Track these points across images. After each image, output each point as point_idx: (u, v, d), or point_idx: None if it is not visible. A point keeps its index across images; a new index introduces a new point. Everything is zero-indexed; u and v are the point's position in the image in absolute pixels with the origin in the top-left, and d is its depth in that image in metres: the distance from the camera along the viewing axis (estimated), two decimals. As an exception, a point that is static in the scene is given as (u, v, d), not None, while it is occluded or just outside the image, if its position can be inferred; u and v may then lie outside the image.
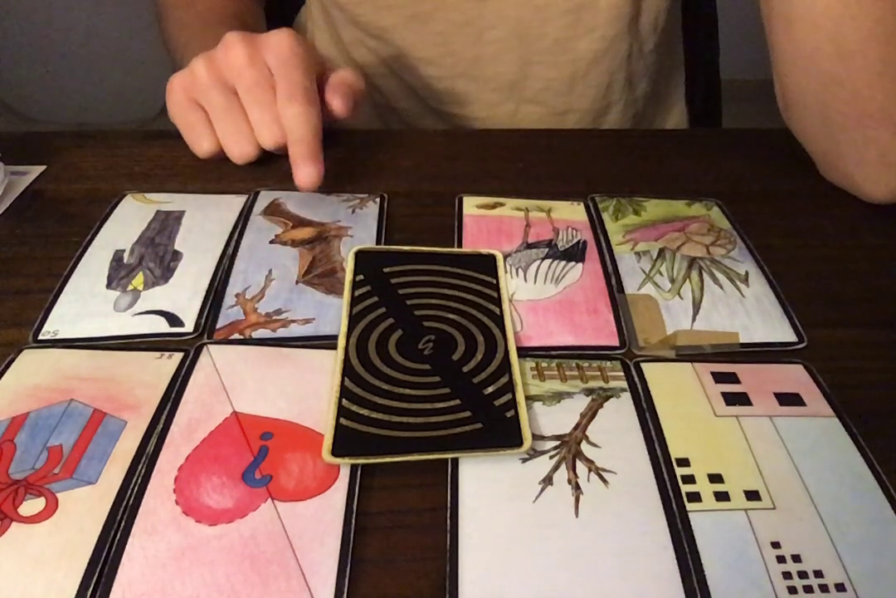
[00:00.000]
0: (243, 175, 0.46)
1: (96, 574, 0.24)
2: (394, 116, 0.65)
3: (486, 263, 0.39)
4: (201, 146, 0.45)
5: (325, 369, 0.32)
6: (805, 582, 0.25)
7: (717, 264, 0.40)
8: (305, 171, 0.41)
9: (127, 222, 0.42)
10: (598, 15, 0.55)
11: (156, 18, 0.63)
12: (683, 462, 0.29)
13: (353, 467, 0.28)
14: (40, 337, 0.34)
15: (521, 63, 0.58)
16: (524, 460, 0.29)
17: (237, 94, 0.43)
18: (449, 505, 0.27)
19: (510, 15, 0.55)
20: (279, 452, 0.29)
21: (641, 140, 0.55)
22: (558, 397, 0.32)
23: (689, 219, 0.44)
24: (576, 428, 0.30)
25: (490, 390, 0.31)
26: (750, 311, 0.37)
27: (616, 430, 0.30)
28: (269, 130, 0.42)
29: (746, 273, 0.40)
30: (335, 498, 0.27)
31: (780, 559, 0.26)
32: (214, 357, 0.33)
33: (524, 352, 0.34)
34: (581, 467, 0.29)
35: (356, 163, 0.49)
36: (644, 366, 0.33)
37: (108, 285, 0.37)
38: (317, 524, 0.26)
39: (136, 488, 0.27)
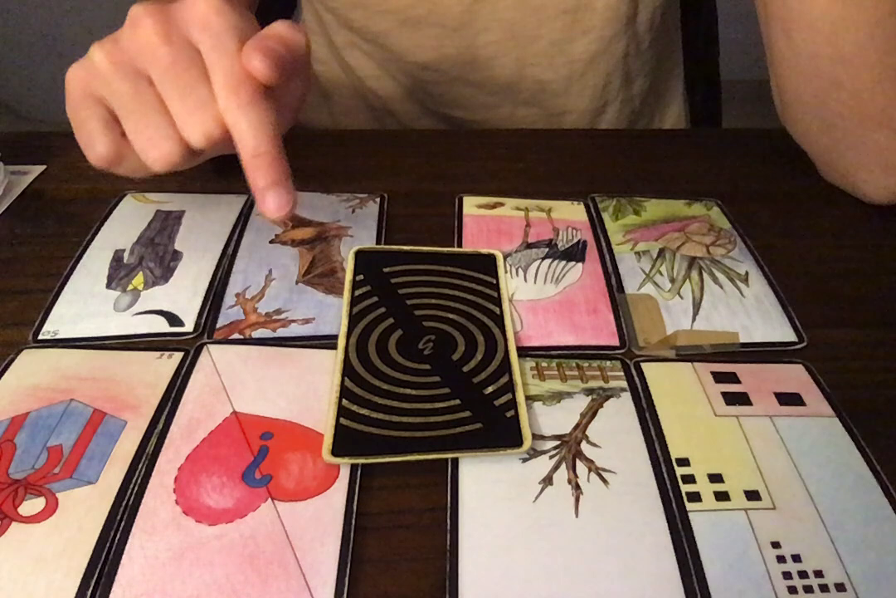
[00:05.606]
0: (243, 175, 0.46)
1: (96, 574, 0.24)
2: (390, 118, 0.65)
3: (486, 263, 0.39)
4: (94, 150, 0.32)
5: (325, 369, 0.32)
6: (805, 582, 0.25)
7: (717, 264, 0.40)
8: (274, 196, 0.30)
9: (127, 222, 0.42)
10: (595, 16, 0.55)
11: None
12: (683, 462, 0.29)
13: (353, 467, 0.28)
14: (40, 337, 0.34)
15: (517, 66, 0.58)
16: (524, 460, 0.29)
17: (152, 82, 0.31)
18: (449, 505, 0.27)
19: (504, 17, 0.55)
20: (279, 452, 0.29)
21: (641, 140, 0.55)
22: (558, 396, 0.32)
23: (689, 219, 0.44)
24: (576, 428, 0.30)
25: (490, 389, 0.31)
26: (750, 311, 0.37)
27: (616, 430, 0.30)
28: (198, 119, 0.30)
29: (746, 273, 0.40)
30: (335, 498, 0.27)
31: (780, 559, 0.26)
32: (214, 357, 0.33)
33: (524, 352, 0.34)
34: (581, 467, 0.29)
35: (356, 163, 0.49)
36: (644, 366, 0.33)
37: (108, 285, 0.37)
38: (317, 523, 0.26)
39: (136, 488, 0.27)
